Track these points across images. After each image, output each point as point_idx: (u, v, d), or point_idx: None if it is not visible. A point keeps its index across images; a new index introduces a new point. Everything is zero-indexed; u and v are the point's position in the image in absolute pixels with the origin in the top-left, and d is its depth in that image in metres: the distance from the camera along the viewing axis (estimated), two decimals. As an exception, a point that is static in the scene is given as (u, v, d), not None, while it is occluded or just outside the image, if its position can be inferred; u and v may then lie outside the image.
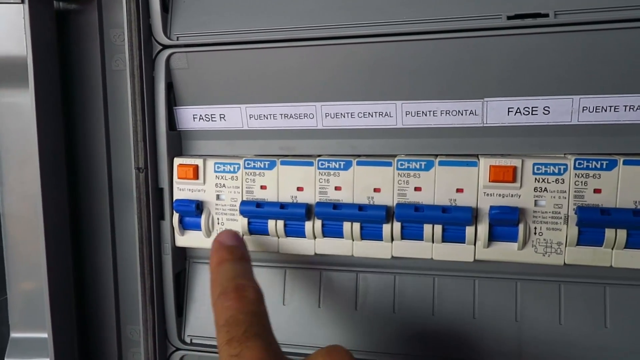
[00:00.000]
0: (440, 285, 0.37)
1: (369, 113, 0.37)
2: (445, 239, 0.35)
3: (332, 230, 0.37)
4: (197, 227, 0.39)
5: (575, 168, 0.33)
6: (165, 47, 0.38)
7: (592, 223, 0.32)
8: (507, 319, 0.36)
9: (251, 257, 0.39)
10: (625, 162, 0.32)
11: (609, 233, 0.32)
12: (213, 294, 0.32)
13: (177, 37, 0.38)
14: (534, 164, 0.33)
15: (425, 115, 0.36)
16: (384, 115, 0.36)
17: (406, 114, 0.36)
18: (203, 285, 0.42)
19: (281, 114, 0.38)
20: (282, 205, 0.37)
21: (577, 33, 0.32)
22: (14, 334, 0.44)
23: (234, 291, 0.30)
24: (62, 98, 0.41)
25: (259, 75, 0.37)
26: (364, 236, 0.36)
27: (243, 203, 0.38)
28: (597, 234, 0.33)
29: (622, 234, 0.32)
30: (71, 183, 0.42)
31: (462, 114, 0.35)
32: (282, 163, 0.37)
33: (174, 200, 0.39)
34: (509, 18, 0.32)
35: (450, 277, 0.37)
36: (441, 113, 0.35)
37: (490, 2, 0.33)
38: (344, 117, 0.37)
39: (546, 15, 0.32)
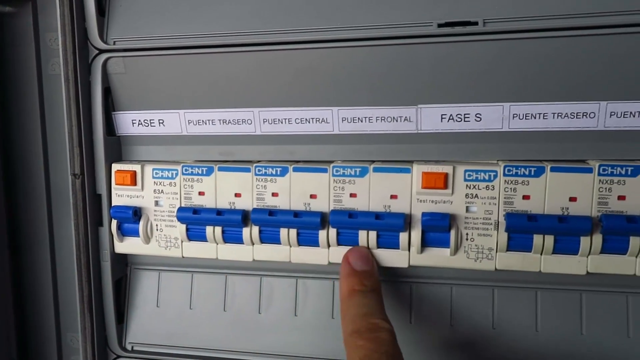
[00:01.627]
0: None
1: (306, 119, 0.37)
2: (380, 245, 0.35)
3: (269, 237, 0.37)
4: (136, 233, 0.39)
5: (504, 175, 0.33)
6: (101, 51, 0.38)
7: (519, 229, 0.33)
8: (442, 323, 0.36)
9: (192, 262, 0.39)
10: (552, 169, 0.33)
11: (537, 239, 0.33)
12: (345, 330, 0.31)
13: (114, 42, 0.37)
14: (465, 171, 0.34)
15: (361, 121, 0.36)
16: (320, 121, 0.36)
17: (342, 120, 0.36)
18: (144, 292, 0.41)
19: (220, 120, 0.38)
20: (219, 212, 0.37)
21: (506, 41, 0.32)
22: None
23: (368, 331, 0.29)
24: (-2, 102, 0.40)
25: (197, 81, 0.37)
26: (300, 242, 0.36)
27: (180, 209, 0.37)
28: (526, 239, 0.33)
29: (549, 239, 0.33)
30: (8, 189, 0.41)
31: (396, 121, 0.35)
32: (220, 169, 0.37)
33: (111, 206, 0.39)
34: (440, 26, 0.33)
35: (387, 282, 0.37)
36: (376, 119, 0.36)
37: (422, 10, 0.33)
38: (282, 123, 0.37)
39: (475, 24, 0.32)
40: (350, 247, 0.36)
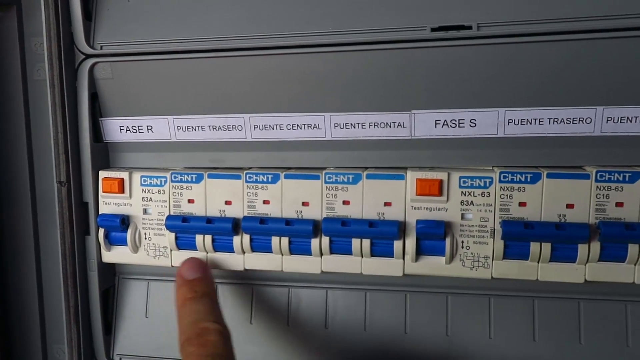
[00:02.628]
0: (372, 300, 0.37)
1: (298, 125, 0.36)
2: (373, 253, 0.34)
3: (261, 245, 0.36)
4: (123, 242, 0.38)
5: (500, 181, 0.33)
6: (88, 56, 0.37)
7: (516, 237, 0.32)
8: (438, 333, 0.36)
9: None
10: (549, 175, 0.32)
11: (534, 247, 0.32)
12: (179, 340, 0.31)
13: (101, 46, 0.37)
14: (460, 177, 0.33)
15: (354, 127, 0.35)
16: (312, 127, 0.36)
17: (335, 126, 0.35)
18: (133, 302, 0.40)
19: (210, 126, 0.37)
20: (209, 220, 0.36)
21: (500, 45, 0.32)
22: None
23: (197, 337, 0.30)
24: (-17, 108, 0.39)
25: (186, 86, 0.36)
26: (293, 251, 0.35)
27: (169, 218, 0.36)
28: (523, 247, 0.32)
29: (546, 247, 0.32)
30: (-8, 197, 0.40)
31: (390, 126, 0.35)
32: (210, 176, 0.36)
33: (98, 214, 0.38)
34: (433, 30, 0.32)
35: (381, 291, 0.36)
36: (370, 125, 0.35)
37: (415, 14, 0.32)
38: (273, 129, 0.36)
39: (469, 28, 0.32)
40: (340, 255, 0.35)
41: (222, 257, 0.37)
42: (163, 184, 0.37)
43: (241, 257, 0.36)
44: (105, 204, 0.38)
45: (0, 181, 0.39)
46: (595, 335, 0.34)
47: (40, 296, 0.40)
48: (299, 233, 0.35)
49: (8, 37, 0.38)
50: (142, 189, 0.37)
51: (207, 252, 0.37)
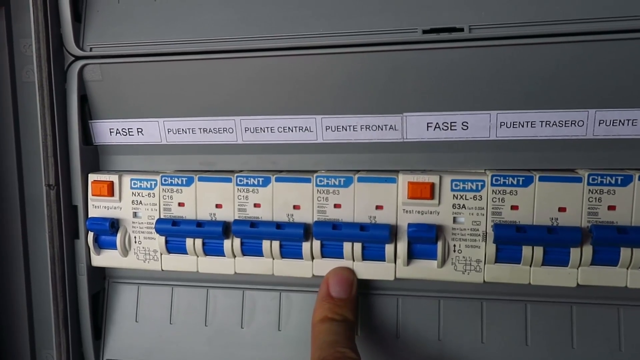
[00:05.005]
0: (364, 304, 0.36)
1: (289, 128, 0.36)
2: (365, 257, 0.34)
3: (251, 249, 0.35)
4: (113, 246, 0.38)
5: (492, 184, 0.32)
6: (77, 58, 0.36)
7: (508, 240, 0.32)
8: (429, 337, 0.35)
9: (172, 276, 0.38)
10: (541, 179, 0.32)
11: (526, 250, 0.32)
12: (313, 355, 0.31)
13: (91, 48, 0.36)
14: (452, 180, 0.33)
15: (346, 130, 0.35)
16: (304, 130, 0.35)
17: (326, 129, 0.35)
18: (123, 306, 0.40)
19: (200, 128, 0.37)
20: (199, 224, 0.35)
21: (492, 48, 0.31)
22: None
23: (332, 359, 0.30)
24: (-29, 110, 0.38)
25: (176, 88, 0.36)
26: (284, 254, 0.35)
27: (159, 221, 0.36)
28: (515, 251, 0.32)
29: (538, 251, 0.32)
30: (-19, 200, 0.39)
31: (382, 129, 0.34)
32: (200, 179, 0.36)
33: (88, 218, 0.38)
34: (425, 32, 0.32)
35: (373, 295, 0.36)
36: (361, 128, 0.35)
37: (406, 15, 0.32)
38: (264, 131, 0.36)
39: (461, 30, 0.31)
40: (332, 259, 0.35)
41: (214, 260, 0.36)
42: (153, 187, 0.37)
43: (232, 261, 0.36)
44: (95, 207, 0.38)
45: (-11, 184, 0.39)
46: (587, 340, 0.34)
47: (29, 300, 0.40)
48: (290, 237, 0.34)
49: (-4, 39, 0.37)
50: (132, 192, 0.37)
51: (198, 256, 0.36)
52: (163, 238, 0.36)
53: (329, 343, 0.31)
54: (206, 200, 0.36)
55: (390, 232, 0.33)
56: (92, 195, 0.38)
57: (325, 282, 0.34)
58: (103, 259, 0.38)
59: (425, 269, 0.34)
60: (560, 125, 0.32)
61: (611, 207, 0.31)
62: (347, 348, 0.31)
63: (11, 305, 0.40)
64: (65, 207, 0.37)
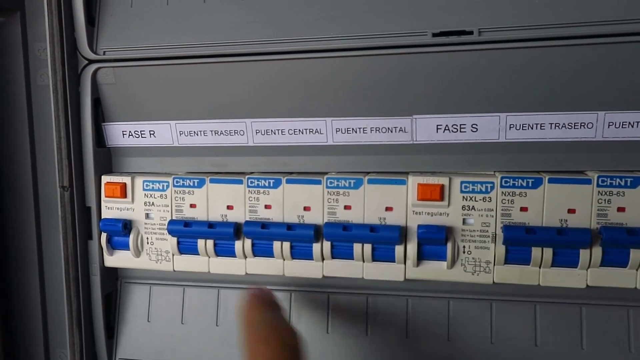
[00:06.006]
0: (373, 304, 0.37)
1: (299, 130, 0.36)
2: (375, 258, 0.34)
3: (262, 250, 0.36)
4: (126, 246, 0.38)
5: (501, 186, 0.33)
6: (91, 61, 0.37)
7: (517, 242, 0.32)
8: (439, 338, 0.36)
9: (184, 277, 0.38)
10: (550, 180, 0.32)
11: (535, 252, 0.32)
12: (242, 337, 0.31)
13: (104, 52, 0.37)
14: (462, 182, 0.33)
15: (356, 132, 0.35)
16: (314, 132, 0.36)
17: (336, 131, 0.35)
18: (135, 306, 0.40)
19: (212, 131, 0.37)
20: (211, 225, 0.36)
21: (501, 50, 0.32)
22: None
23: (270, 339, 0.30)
24: (-14, 114, 0.39)
25: (188, 91, 0.36)
26: (294, 255, 0.35)
27: (171, 222, 0.37)
28: (524, 252, 0.32)
29: (548, 252, 0.32)
30: (-4, 201, 0.40)
31: (391, 131, 0.35)
32: (212, 181, 0.37)
33: (101, 219, 0.38)
34: (434, 35, 0.32)
35: (383, 296, 0.36)
36: (371, 130, 0.35)
37: (416, 19, 0.33)
38: (275, 134, 0.36)
39: (470, 33, 0.32)
40: (342, 259, 0.35)
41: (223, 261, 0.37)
42: (165, 188, 0.37)
43: (243, 262, 0.37)
44: (108, 208, 0.38)
45: (4, 186, 0.40)
46: (597, 341, 0.34)
47: (43, 300, 0.41)
48: (301, 238, 0.35)
49: (12, 43, 0.38)
50: (145, 194, 0.38)
51: (209, 257, 0.37)
52: (175, 239, 0.37)
53: (262, 324, 0.31)
54: (217, 202, 0.37)
55: (400, 234, 0.33)
56: (105, 196, 0.38)
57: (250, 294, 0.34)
58: (116, 259, 0.39)
59: (435, 270, 0.34)
60: (570, 127, 0.32)
61: (620, 209, 0.31)
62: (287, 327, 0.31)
63: (26, 305, 0.41)
64: (78, 209, 0.38)
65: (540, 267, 0.33)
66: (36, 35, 0.38)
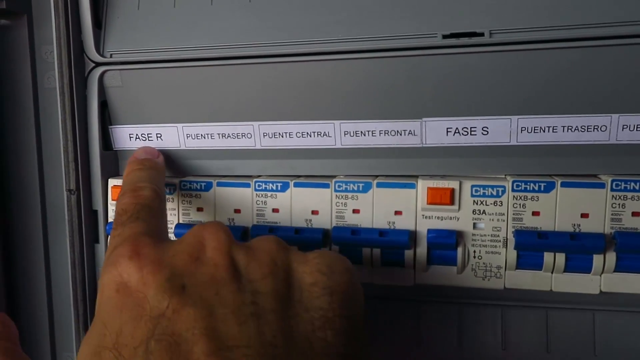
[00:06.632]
0: (384, 310, 0.36)
1: (307, 133, 0.36)
2: (384, 262, 0.34)
3: (270, 254, 0.35)
4: (132, 250, 0.38)
5: (513, 190, 0.32)
6: (98, 64, 0.37)
7: (529, 247, 0.31)
8: (450, 344, 0.35)
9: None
10: (563, 184, 0.31)
11: (548, 257, 0.32)
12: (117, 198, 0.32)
13: (111, 54, 0.37)
14: (472, 186, 0.33)
15: (364, 135, 0.35)
16: (322, 135, 0.35)
17: (345, 134, 0.35)
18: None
19: (219, 134, 0.37)
20: (218, 228, 0.35)
21: (512, 53, 0.31)
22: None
23: (131, 191, 0.31)
24: (-7, 116, 0.39)
25: (195, 94, 0.36)
26: (302, 260, 0.35)
27: (178, 226, 0.36)
28: (536, 257, 0.32)
29: (560, 257, 0.31)
30: (2, 205, 0.40)
31: (401, 134, 0.34)
32: (219, 184, 0.36)
33: (108, 223, 0.38)
34: (445, 37, 0.32)
35: (392, 301, 0.36)
36: (380, 133, 0.35)
37: (426, 20, 0.32)
38: (282, 137, 0.36)
39: (481, 35, 0.31)
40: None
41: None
42: (172, 192, 0.37)
43: (250, 266, 0.36)
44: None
45: (11, 189, 0.40)
46: (610, 347, 0.33)
47: (50, 304, 0.40)
48: (309, 242, 0.34)
49: (19, 46, 0.38)
50: (151, 197, 0.37)
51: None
52: (182, 243, 0.37)
53: (129, 182, 0.32)
54: (225, 205, 0.36)
55: (410, 238, 0.33)
56: (112, 200, 0.38)
57: (132, 157, 0.36)
58: (122, 263, 0.39)
59: (445, 275, 0.33)
60: (583, 130, 0.32)
61: (635, 214, 0.31)
62: (146, 183, 0.31)
63: (32, 308, 0.41)
64: (85, 212, 0.38)
65: (552, 273, 0.32)
66: (43, 38, 0.38)
